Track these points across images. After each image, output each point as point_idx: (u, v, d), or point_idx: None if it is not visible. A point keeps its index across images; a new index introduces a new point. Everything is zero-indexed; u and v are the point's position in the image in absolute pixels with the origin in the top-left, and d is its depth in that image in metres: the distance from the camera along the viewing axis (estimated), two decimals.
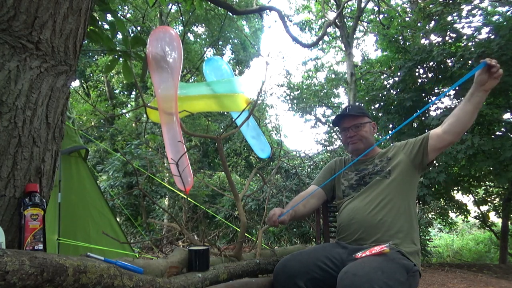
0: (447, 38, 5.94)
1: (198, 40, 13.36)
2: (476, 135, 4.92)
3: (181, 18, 10.62)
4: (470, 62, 5.28)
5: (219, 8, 9.34)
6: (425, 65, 5.78)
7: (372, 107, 6.42)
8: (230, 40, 13.84)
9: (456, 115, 1.43)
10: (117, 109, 13.73)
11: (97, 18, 1.95)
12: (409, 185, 1.58)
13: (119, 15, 2.36)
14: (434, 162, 5.76)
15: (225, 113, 10.29)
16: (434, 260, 7.07)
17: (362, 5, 9.60)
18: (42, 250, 1.05)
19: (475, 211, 7.87)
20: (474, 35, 5.67)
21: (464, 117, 1.41)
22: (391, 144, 1.76)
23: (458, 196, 7.27)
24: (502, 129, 5.49)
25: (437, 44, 5.94)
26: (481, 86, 1.34)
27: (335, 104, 13.63)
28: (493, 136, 5.32)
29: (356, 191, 1.64)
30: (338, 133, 10.37)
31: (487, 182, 6.89)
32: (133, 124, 11.25)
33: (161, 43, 1.94)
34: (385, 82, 6.71)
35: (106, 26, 2.10)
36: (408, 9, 9.88)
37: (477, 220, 8.38)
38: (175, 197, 7.48)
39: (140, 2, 9.84)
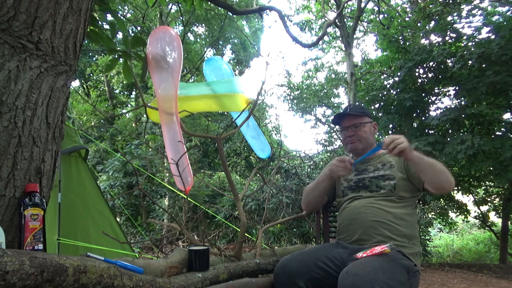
0: (447, 38, 5.94)
1: (198, 40, 13.36)
2: (476, 135, 4.92)
3: (181, 18, 10.62)
4: (470, 62, 5.29)
5: (219, 8, 9.35)
6: (425, 65, 5.79)
7: (372, 107, 6.42)
8: (230, 40, 13.84)
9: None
10: (117, 109, 13.73)
11: (97, 18, 1.95)
12: (411, 196, 1.57)
13: (119, 15, 2.36)
14: None
15: (225, 113, 10.29)
16: (434, 260, 7.07)
17: (362, 5, 9.60)
18: (42, 250, 1.05)
19: (475, 211, 7.87)
20: (474, 35, 5.67)
21: (428, 178, 1.46)
22: None
23: (458, 196, 7.27)
24: (502, 129, 5.49)
25: (437, 44, 5.94)
26: (403, 158, 1.46)
27: (335, 104, 13.63)
28: (493, 136, 5.32)
29: (355, 192, 1.63)
30: (338, 132, 10.37)
31: (487, 182, 6.89)
32: (133, 124, 11.25)
33: (161, 43, 1.93)
34: (385, 82, 6.71)
35: (106, 26, 2.10)
36: (408, 9, 9.88)
37: (477, 220, 8.38)
38: (175, 197, 7.48)
39: (140, 2, 9.84)
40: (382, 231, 1.46)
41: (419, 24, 6.47)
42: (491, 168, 5.30)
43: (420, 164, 1.42)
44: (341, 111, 1.77)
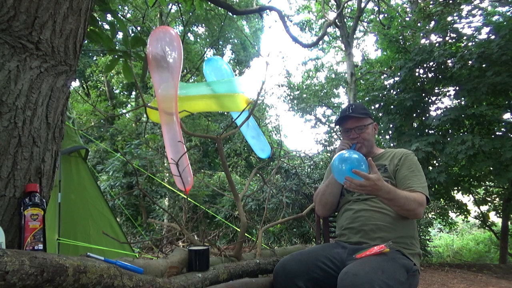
0: (447, 38, 5.94)
1: (198, 40, 13.36)
2: (476, 135, 4.91)
3: (181, 18, 10.62)
4: (470, 62, 5.28)
5: (219, 8, 9.34)
6: (425, 65, 5.79)
7: (372, 107, 6.42)
8: (230, 40, 13.85)
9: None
10: (117, 109, 13.73)
11: (97, 18, 1.95)
12: None
13: (119, 15, 2.36)
14: (435, 162, 5.77)
15: (225, 113, 10.29)
16: (434, 260, 7.07)
17: (362, 5, 9.60)
18: (42, 250, 1.05)
19: (475, 211, 7.87)
20: (474, 35, 5.67)
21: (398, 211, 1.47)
22: (390, 149, 1.73)
23: (458, 196, 7.27)
24: (502, 129, 5.49)
25: (437, 44, 5.94)
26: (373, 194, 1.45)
27: (335, 104, 13.63)
28: (493, 136, 5.32)
29: (351, 194, 1.64)
30: (338, 133, 10.37)
31: (487, 182, 6.89)
32: (133, 124, 11.25)
33: (161, 43, 1.93)
34: (385, 82, 6.70)
35: (106, 26, 2.10)
36: (408, 9, 9.89)
37: (477, 220, 8.38)
38: (175, 197, 7.48)
39: (140, 2, 9.84)
40: (382, 234, 1.46)
41: (419, 24, 6.47)
42: (491, 168, 5.30)
43: (387, 202, 1.46)
44: (342, 110, 1.75)
